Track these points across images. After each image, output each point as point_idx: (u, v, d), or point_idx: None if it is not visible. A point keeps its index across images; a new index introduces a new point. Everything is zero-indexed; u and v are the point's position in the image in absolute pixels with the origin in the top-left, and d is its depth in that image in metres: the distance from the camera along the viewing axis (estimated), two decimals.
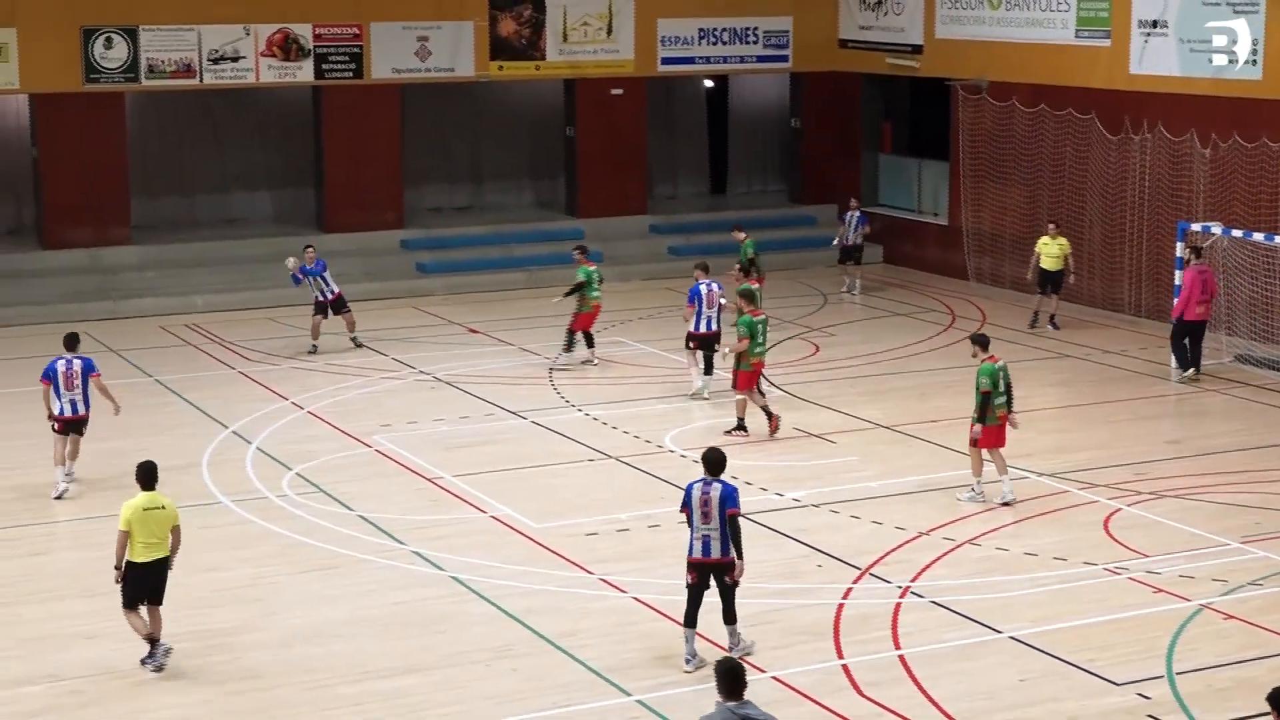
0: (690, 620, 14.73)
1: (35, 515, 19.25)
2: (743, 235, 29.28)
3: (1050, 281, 28.84)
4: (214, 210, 35.55)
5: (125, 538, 14.59)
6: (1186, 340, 25.25)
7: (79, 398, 20.03)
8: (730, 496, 14.61)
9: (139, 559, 14.61)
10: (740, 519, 14.69)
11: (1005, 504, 19.18)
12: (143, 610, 14.77)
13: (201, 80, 32.52)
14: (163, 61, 32.11)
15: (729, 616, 14.81)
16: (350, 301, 27.83)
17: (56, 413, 20.01)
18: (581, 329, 26.30)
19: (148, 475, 14.88)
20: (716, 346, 24.25)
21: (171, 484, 20.00)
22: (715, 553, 14.60)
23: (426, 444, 21.99)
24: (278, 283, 29.59)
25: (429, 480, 20.46)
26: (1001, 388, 19.18)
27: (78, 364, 20.12)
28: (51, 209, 32.26)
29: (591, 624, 15.85)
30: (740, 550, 14.65)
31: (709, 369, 24.34)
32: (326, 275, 27.50)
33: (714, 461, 14.81)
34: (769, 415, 22.18)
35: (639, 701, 14.11)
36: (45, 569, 17.47)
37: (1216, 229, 26.38)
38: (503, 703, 14.11)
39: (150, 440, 21.53)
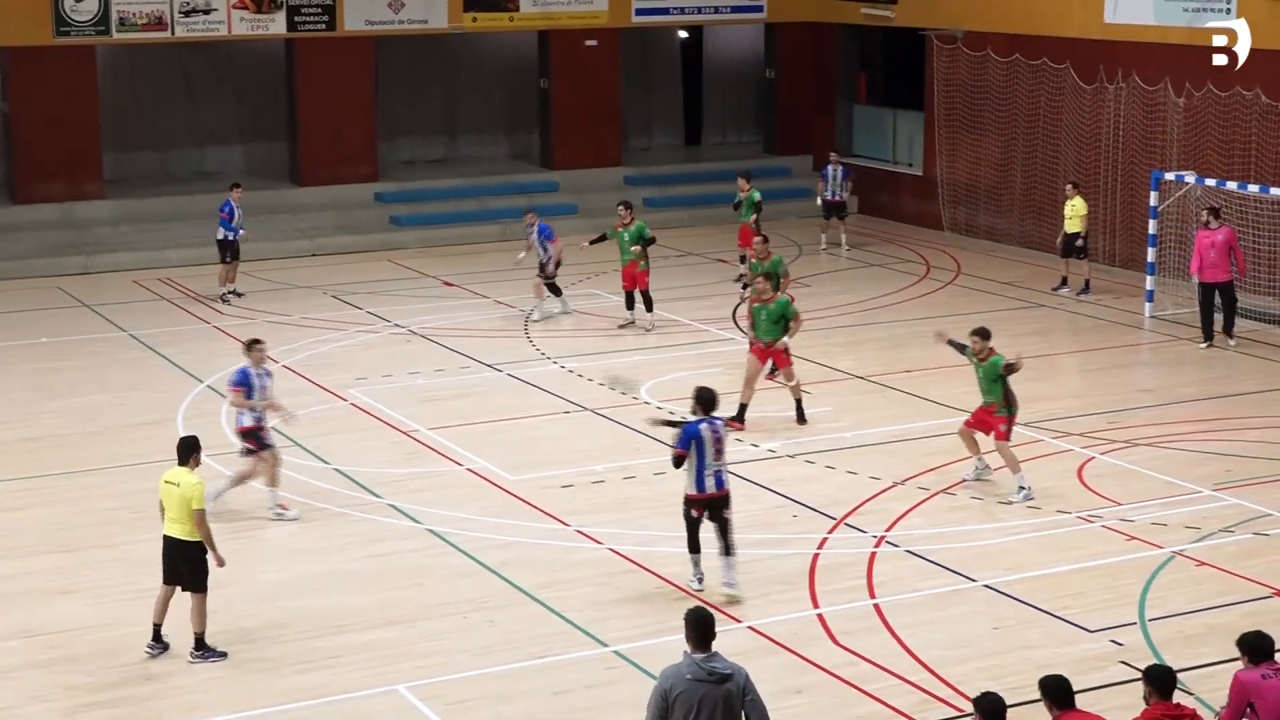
0: (695, 546, 15.25)
1: (6, 471, 19.20)
2: (748, 185, 28.94)
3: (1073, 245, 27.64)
4: (187, 164, 35.41)
5: (159, 505, 14.21)
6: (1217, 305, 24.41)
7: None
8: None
9: (165, 531, 14.17)
10: None
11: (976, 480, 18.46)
12: (180, 596, 14.16)
13: (173, 33, 32.31)
14: (134, 14, 31.88)
15: (729, 548, 15.15)
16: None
17: None
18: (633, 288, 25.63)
19: (180, 449, 14.26)
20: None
21: (147, 439, 20.07)
22: (725, 486, 15.14)
23: (402, 397, 21.98)
24: (251, 237, 29.22)
25: (404, 433, 20.46)
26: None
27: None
28: (24, 164, 32.07)
29: (568, 575, 15.89)
30: None
31: (558, 291, 26.43)
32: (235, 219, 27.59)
33: (709, 400, 15.22)
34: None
35: (616, 652, 14.16)
36: (16, 525, 17.42)
37: (1190, 178, 26.40)
38: (480, 654, 14.15)
39: (125, 395, 21.49)
